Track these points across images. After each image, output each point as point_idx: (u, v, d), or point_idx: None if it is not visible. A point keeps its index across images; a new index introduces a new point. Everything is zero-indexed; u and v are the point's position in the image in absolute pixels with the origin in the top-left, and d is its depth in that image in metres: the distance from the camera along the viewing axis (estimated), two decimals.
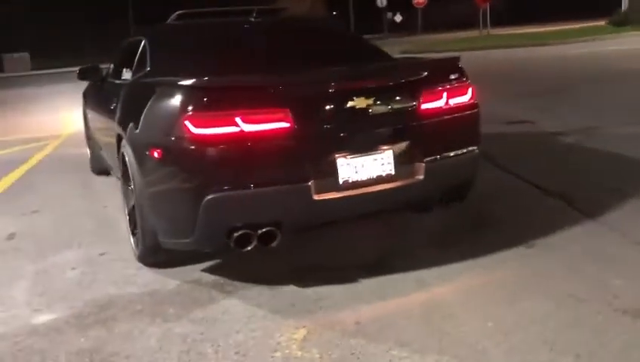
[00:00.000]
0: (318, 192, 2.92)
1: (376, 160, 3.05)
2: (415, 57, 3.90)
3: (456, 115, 3.31)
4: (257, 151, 2.83)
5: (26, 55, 29.35)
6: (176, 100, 2.83)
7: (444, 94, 3.26)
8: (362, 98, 2.98)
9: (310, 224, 3.20)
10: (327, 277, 3.21)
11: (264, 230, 2.88)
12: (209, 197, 2.79)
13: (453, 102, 3.30)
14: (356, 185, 3.01)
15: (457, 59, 3.46)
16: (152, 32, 4.03)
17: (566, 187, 4.44)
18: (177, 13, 4.36)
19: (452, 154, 3.30)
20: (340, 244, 3.66)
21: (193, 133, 2.76)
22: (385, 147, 3.07)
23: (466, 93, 3.39)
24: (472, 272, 3.22)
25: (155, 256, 3.34)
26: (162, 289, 3.23)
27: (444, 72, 3.34)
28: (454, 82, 3.34)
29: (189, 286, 3.25)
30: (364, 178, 3.03)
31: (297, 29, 4.11)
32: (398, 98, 3.14)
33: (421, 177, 3.15)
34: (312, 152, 2.93)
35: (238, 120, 2.78)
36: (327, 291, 3.08)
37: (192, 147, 2.78)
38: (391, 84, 3.17)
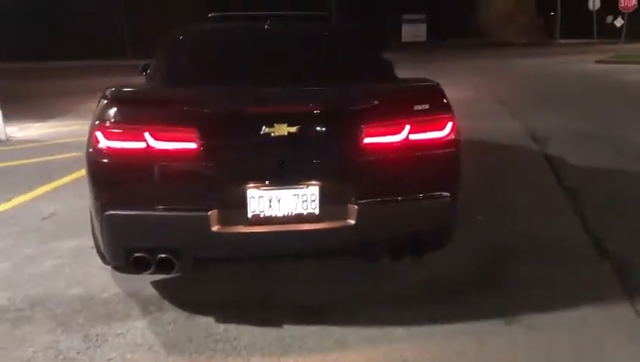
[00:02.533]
0: (222, 224, 2.68)
1: (296, 195, 2.71)
2: (396, 81, 3.25)
3: (420, 152, 2.81)
4: (159, 171, 2.67)
5: None
6: (97, 110, 2.79)
7: (406, 127, 2.77)
8: (284, 124, 2.64)
9: (214, 257, 2.95)
10: (254, 316, 2.97)
11: (161, 256, 2.72)
12: (107, 213, 2.71)
13: (418, 137, 2.80)
14: (270, 221, 2.70)
15: (434, 86, 2.93)
16: (168, 35, 4.02)
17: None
18: (210, 15, 4.32)
19: (402, 198, 2.81)
20: (293, 281, 3.35)
21: (101, 146, 2.69)
22: (309, 182, 2.71)
23: (441, 128, 2.85)
24: (412, 342, 2.75)
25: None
26: (98, 295, 3.24)
27: (407, 102, 2.82)
28: (424, 114, 2.82)
29: (123, 297, 3.21)
30: (280, 214, 2.71)
31: (305, 39, 3.79)
32: (332, 128, 2.74)
33: (352, 222, 2.73)
34: (217, 179, 2.68)
35: (147, 135, 2.65)
36: (240, 331, 2.85)
37: (99, 159, 2.71)
38: (324, 111, 2.75)
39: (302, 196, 2.70)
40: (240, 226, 2.68)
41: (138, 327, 2.89)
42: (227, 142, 2.67)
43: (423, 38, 32.56)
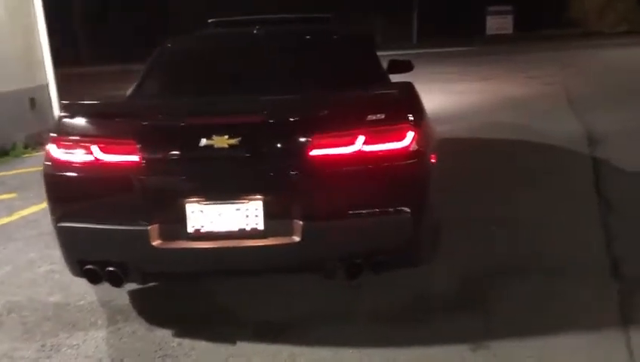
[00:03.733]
0: (163, 239, 2.65)
1: (239, 210, 2.63)
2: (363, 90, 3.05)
3: (375, 165, 2.65)
4: (104, 184, 2.69)
5: None
6: (55, 122, 2.84)
7: (359, 138, 2.63)
8: (222, 137, 2.57)
9: (158, 272, 2.92)
10: (214, 331, 2.94)
11: (109, 269, 2.74)
12: (59, 225, 2.76)
13: (373, 148, 2.64)
14: (210, 236, 2.64)
15: (391, 94, 2.76)
16: (163, 44, 4.05)
17: None
18: (210, 20, 4.32)
19: (353, 214, 2.66)
20: (265, 295, 3.28)
21: (53, 158, 2.75)
22: (251, 196, 2.62)
23: (400, 139, 2.68)
24: None
25: None
26: (73, 303, 3.32)
27: (360, 111, 2.67)
28: (380, 124, 2.66)
29: (96, 305, 3.28)
30: (222, 230, 2.64)
31: (292, 45, 3.69)
32: (276, 140, 2.63)
33: (297, 238, 2.62)
34: (157, 193, 2.65)
35: (94, 148, 2.68)
36: (192, 346, 2.84)
37: (51, 172, 2.77)
38: (267, 121, 2.66)
39: (244, 211, 2.62)
40: (180, 241, 2.65)
41: (96, 338, 2.94)
42: (166, 155, 2.64)
43: (509, 31, 31.25)
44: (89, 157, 2.68)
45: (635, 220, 4.12)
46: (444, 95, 11.23)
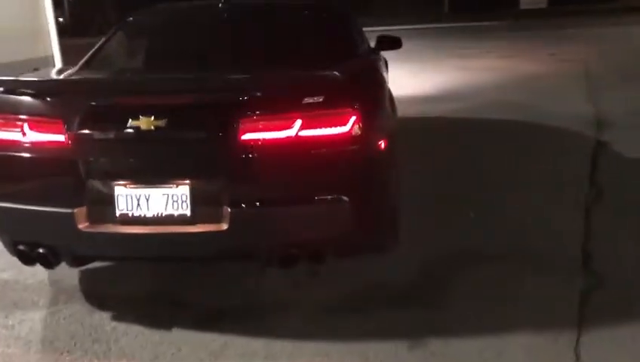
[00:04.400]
0: (90, 222, 2.58)
1: (166, 195, 2.53)
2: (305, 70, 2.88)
3: (313, 151, 2.52)
4: (33, 164, 2.62)
5: None
6: None
7: (296, 123, 2.49)
8: (148, 118, 2.46)
9: (89, 256, 2.85)
10: (156, 316, 2.89)
11: (38, 251, 2.68)
12: None
13: (311, 133, 2.51)
14: (138, 221, 2.55)
15: (333, 76, 2.60)
16: (125, 18, 3.93)
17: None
18: None
19: (286, 202, 2.54)
20: (214, 280, 3.20)
21: None
22: (179, 181, 2.52)
23: (342, 124, 2.54)
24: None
25: None
26: (22, 281, 3.30)
27: (297, 94, 2.52)
28: (318, 107, 2.52)
29: (44, 284, 3.26)
30: (149, 215, 2.55)
31: (264, 17, 3.54)
32: (205, 122, 2.51)
33: (225, 226, 2.51)
34: (85, 175, 2.57)
35: (24, 126, 2.61)
36: (127, 331, 2.79)
37: None
38: (196, 103, 2.54)
39: (172, 196, 2.52)
40: (108, 225, 2.57)
41: (33, 319, 2.92)
42: (93, 135, 2.55)
43: (544, 5, 30.18)
44: (18, 136, 2.62)
45: (621, 211, 3.91)
46: (458, 72, 10.94)
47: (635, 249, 3.37)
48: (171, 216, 2.53)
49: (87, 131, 2.54)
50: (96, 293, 3.12)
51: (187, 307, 2.97)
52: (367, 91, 2.76)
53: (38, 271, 3.35)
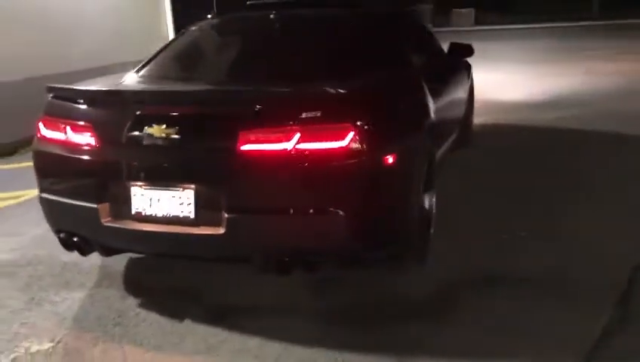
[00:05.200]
0: (112, 217, 2.86)
1: (174, 197, 2.74)
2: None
3: (309, 163, 2.60)
4: (69, 162, 2.93)
5: (471, 10, 30.94)
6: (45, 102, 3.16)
7: (295, 136, 2.60)
8: (161, 125, 2.69)
9: (114, 248, 3.11)
10: (176, 308, 3.11)
11: (74, 239, 3.02)
12: (39, 195, 3.10)
13: (309, 147, 2.60)
14: (150, 219, 2.79)
15: (331, 93, 2.66)
16: (193, 25, 4.19)
17: None
18: (249, 2, 4.39)
19: (281, 211, 2.64)
20: (233, 277, 3.37)
21: (39, 134, 3.08)
22: (185, 185, 2.71)
23: (340, 138, 2.61)
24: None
25: None
26: (80, 264, 3.66)
27: (296, 108, 2.61)
28: (317, 122, 2.60)
29: (95, 268, 3.61)
30: (159, 214, 2.77)
31: (303, 32, 3.64)
32: (209, 132, 2.70)
33: (222, 230, 2.68)
34: (108, 174, 2.85)
35: (66, 129, 2.97)
36: (145, 318, 3.05)
37: (36, 147, 3.10)
38: (202, 113, 2.72)
39: (179, 198, 2.73)
40: (126, 221, 2.84)
41: (74, 298, 3.28)
42: (115, 139, 2.82)
43: None
44: (61, 137, 2.97)
45: None
46: (583, 76, 10.29)
47: None
48: (177, 216, 2.75)
49: (110, 136, 2.83)
50: (134, 281, 3.43)
51: (204, 302, 3.17)
52: (371, 106, 2.78)
53: (94, 256, 3.75)
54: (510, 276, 3.30)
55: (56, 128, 3.01)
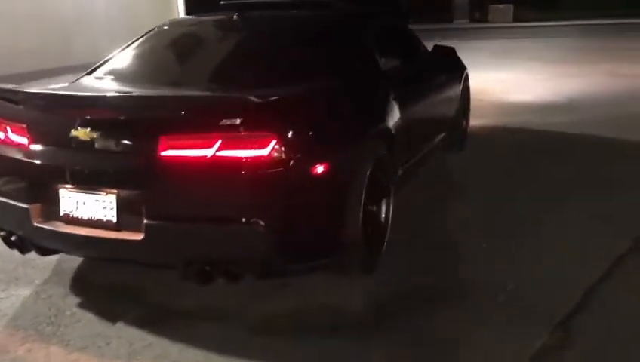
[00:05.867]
0: (42, 218, 2.89)
1: (97, 201, 2.75)
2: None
3: (229, 172, 2.58)
4: (7, 161, 2.97)
5: (509, 6, 30.25)
6: None
7: (216, 143, 2.57)
8: (86, 129, 2.70)
9: (45, 247, 3.12)
10: (112, 308, 3.14)
11: (11, 239, 3.06)
12: None
13: (229, 154, 2.57)
14: (77, 222, 2.81)
15: (250, 101, 2.63)
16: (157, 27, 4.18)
17: None
18: (222, 2, 4.36)
19: (199, 219, 2.64)
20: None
21: None
22: (108, 190, 2.72)
23: (261, 147, 2.57)
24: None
25: None
26: (35, 259, 3.69)
27: (215, 115, 2.58)
28: (237, 130, 2.57)
29: (47, 265, 3.61)
30: (85, 217, 2.79)
31: (259, 35, 3.61)
32: (131, 137, 2.70)
33: (140, 236, 2.67)
34: (39, 176, 2.88)
35: (7, 128, 3.01)
36: (80, 318, 3.07)
37: None
38: (124, 119, 2.75)
39: (102, 202, 2.74)
40: (55, 223, 2.86)
41: (18, 296, 3.30)
42: (46, 141, 2.85)
43: None
44: (0, 136, 3.01)
45: None
46: (604, 78, 9.99)
47: None
48: (101, 220, 2.76)
49: (41, 138, 2.86)
50: (83, 279, 3.46)
51: (145, 303, 3.17)
52: (296, 115, 2.73)
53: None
54: (457, 290, 3.22)
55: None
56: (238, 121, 2.56)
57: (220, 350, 2.75)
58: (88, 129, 2.71)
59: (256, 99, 2.64)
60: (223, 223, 2.63)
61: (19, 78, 3.91)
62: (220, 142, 2.56)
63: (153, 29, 4.01)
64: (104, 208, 2.75)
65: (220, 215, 2.64)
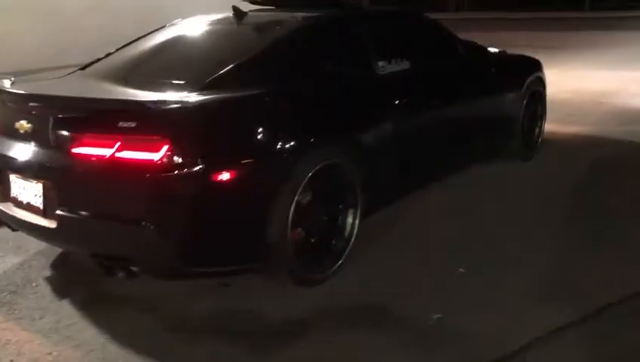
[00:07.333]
0: (2, 200, 3.22)
1: (31, 188, 3.01)
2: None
3: (125, 172, 2.70)
4: None
5: None
6: None
7: (116, 144, 2.68)
8: (25, 121, 2.99)
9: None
10: (69, 281, 3.41)
11: None
12: None
13: (125, 155, 2.68)
14: (20, 205, 3.10)
15: (141, 103, 2.77)
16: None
17: None
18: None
19: (98, 216, 2.81)
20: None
21: None
22: (37, 179, 2.97)
23: (154, 150, 2.64)
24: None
25: None
26: None
27: (115, 117, 2.71)
28: (133, 132, 2.68)
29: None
30: (24, 201, 3.07)
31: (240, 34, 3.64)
32: (54, 131, 2.89)
33: (54, 225, 2.89)
34: (3, 161, 3.18)
35: None
36: (42, 292, 3.35)
37: None
38: (50, 114, 2.93)
39: (34, 190, 3.00)
40: (7, 204, 3.20)
41: (13, 262, 3.66)
42: (6, 132, 3.18)
43: None
44: None
45: None
46: None
47: None
48: (33, 206, 3.04)
49: (2, 128, 3.21)
50: (69, 256, 3.71)
51: (94, 288, 3.33)
52: (196, 121, 2.76)
53: None
54: (390, 316, 3.03)
55: None
56: (134, 125, 2.66)
57: (126, 338, 2.86)
58: (25, 122, 2.99)
59: (154, 104, 2.73)
60: (119, 221, 2.76)
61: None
62: (118, 143, 2.67)
63: (165, 25, 4.20)
64: (35, 195, 3.02)
65: (117, 213, 2.77)
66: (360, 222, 3.50)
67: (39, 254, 3.79)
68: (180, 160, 2.63)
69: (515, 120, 5.10)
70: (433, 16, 4.81)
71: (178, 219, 2.74)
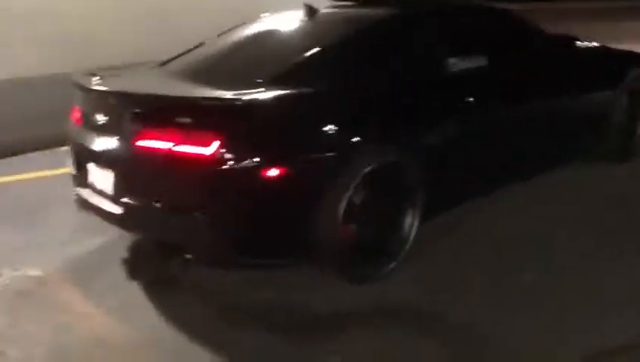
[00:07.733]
0: (82, 186, 3.48)
1: (105, 176, 3.22)
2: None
3: (180, 164, 2.85)
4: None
5: None
6: None
7: (174, 138, 2.85)
8: (102, 114, 3.24)
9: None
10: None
11: None
12: None
13: (181, 149, 2.83)
14: (96, 192, 3.34)
15: (197, 100, 2.96)
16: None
17: None
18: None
19: (155, 204, 2.97)
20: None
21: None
22: (110, 168, 3.19)
23: (205, 145, 2.77)
24: None
25: None
26: None
27: (173, 113, 2.90)
28: (189, 127, 2.85)
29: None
30: (99, 188, 3.31)
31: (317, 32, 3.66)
32: (124, 125, 3.08)
33: (119, 211, 3.11)
34: (80, 152, 3.47)
35: (78, 113, 3.65)
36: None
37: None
38: (122, 110, 3.13)
39: (108, 178, 3.20)
40: (86, 190, 3.45)
41: (87, 244, 3.93)
42: (89, 122, 3.41)
43: None
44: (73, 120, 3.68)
45: None
46: None
47: None
48: (106, 192, 3.26)
49: (86, 119, 3.47)
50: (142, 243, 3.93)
51: (154, 271, 3.55)
52: (248, 119, 2.85)
53: None
54: (445, 323, 2.96)
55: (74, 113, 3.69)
56: (189, 120, 2.81)
57: (181, 322, 3.01)
58: (102, 115, 3.25)
59: (207, 101, 2.93)
60: (174, 211, 2.91)
61: None
62: (176, 138, 2.83)
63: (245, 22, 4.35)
64: (107, 183, 3.23)
65: (173, 203, 2.92)
66: (421, 223, 3.44)
67: (120, 238, 4.05)
68: (231, 155, 2.73)
69: (609, 119, 4.77)
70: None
71: (227, 212, 2.85)
